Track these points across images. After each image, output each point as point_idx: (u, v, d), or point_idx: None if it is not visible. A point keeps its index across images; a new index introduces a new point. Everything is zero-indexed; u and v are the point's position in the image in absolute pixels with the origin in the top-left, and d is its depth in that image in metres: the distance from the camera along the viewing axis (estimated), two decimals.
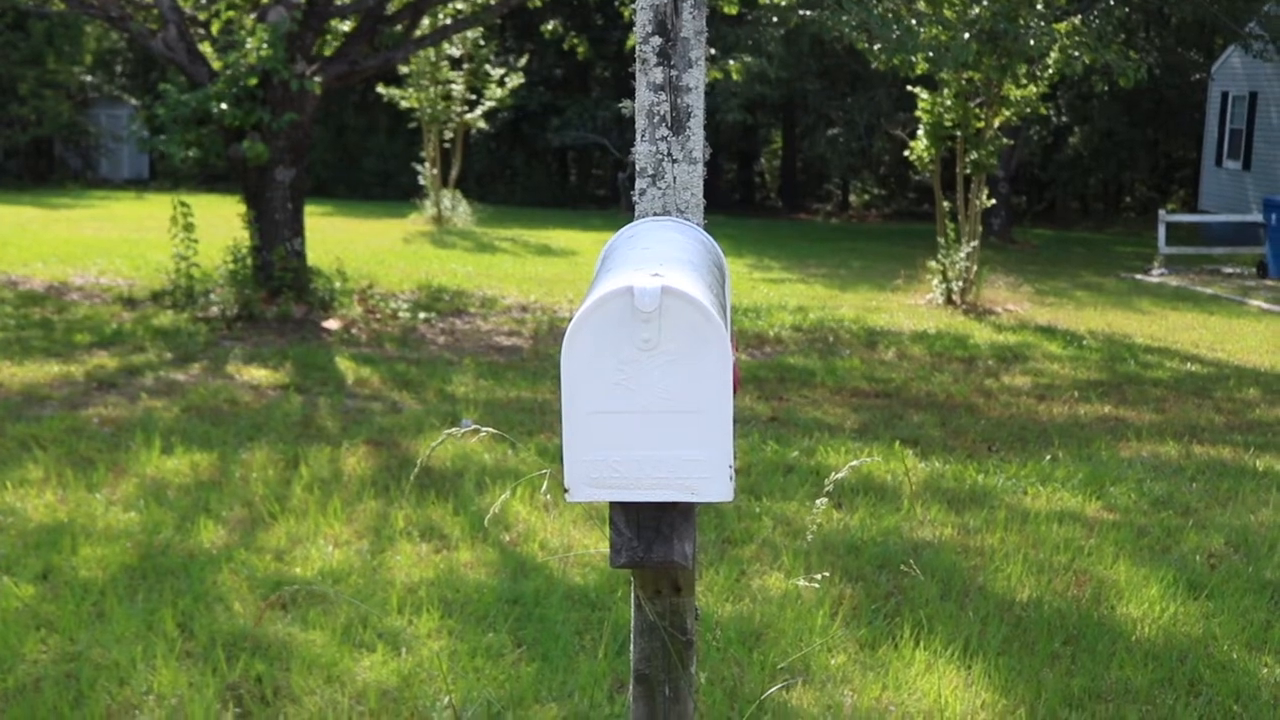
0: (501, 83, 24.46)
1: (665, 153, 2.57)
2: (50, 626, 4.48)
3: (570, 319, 2.15)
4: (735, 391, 2.03)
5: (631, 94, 2.57)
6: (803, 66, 31.35)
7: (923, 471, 7.31)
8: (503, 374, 10.04)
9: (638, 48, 2.58)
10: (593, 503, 2.03)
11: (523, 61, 25.35)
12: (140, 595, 4.81)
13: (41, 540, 5.39)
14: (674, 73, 2.56)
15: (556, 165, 38.93)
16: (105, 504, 5.97)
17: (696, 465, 2.01)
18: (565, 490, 2.04)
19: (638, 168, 2.61)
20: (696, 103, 2.57)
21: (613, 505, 2.15)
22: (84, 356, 9.91)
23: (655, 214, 2.56)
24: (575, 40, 16.68)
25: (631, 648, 2.72)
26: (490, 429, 2.77)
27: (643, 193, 2.60)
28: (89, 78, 38.45)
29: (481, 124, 25.76)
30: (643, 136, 2.58)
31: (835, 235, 27.50)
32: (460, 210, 25.53)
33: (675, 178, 2.58)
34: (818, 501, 2.59)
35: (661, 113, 2.56)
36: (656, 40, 2.56)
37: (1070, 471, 7.36)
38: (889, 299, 16.16)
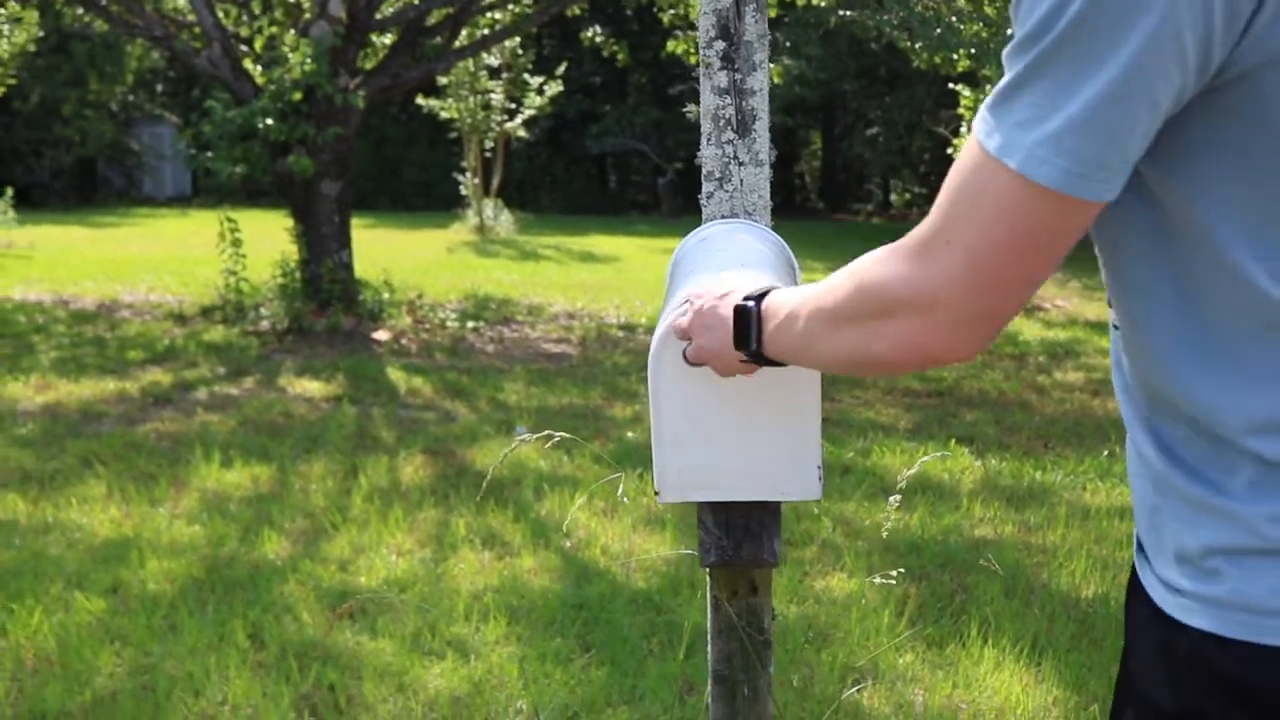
0: (541, 91, 24.53)
1: (731, 156, 2.58)
2: (123, 640, 4.53)
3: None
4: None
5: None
6: (841, 67, 31.35)
7: (979, 470, 7.29)
8: (553, 381, 10.07)
9: (701, 52, 2.59)
10: (682, 503, 2.04)
11: (561, 69, 25.42)
12: (210, 607, 4.86)
13: (109, 555, 5.45)
14: (738, 76, 2.57)
15: (596, 172, 39.02)
16: (169, 518, 6.03)
17: (785, 465, 2.01)
18: (656, 492, 2.05)
19: (704, 171, 2.62)
20: (761, 105, 2.58)
21: (701, 505, 2.16)
22: (138, 373, 10.01)
23: (723, 216, 2.57)
24: (615, 47, 16.70)
25: (709, 649, 2.72)
26: (563, 434, 2.79)
27: (709, 196, 2.60)
28: (130, 97, 38.82)
29: (521, 133, 25.85)
30: (708, 140, 2.59)
31: (878, 235, 27.40)
32: (502, 219, 25.64)
33: (742, 180, 2.59)
34: (891, 499, 2.60)
35: (727, 116, 2.57)
36: (720, 45, 2.57)
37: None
38: None
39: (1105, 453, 7.73)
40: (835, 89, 32.79)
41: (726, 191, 2.59)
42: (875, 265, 1.37)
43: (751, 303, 1.60)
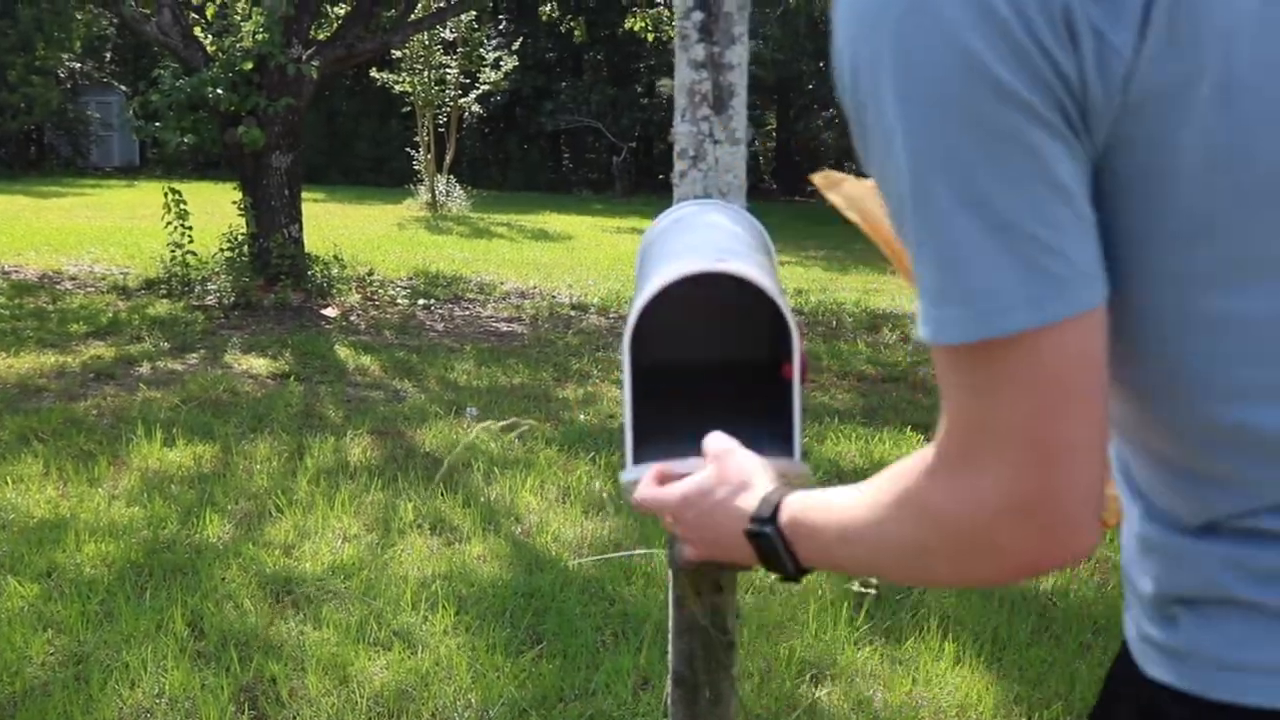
0: (496, 66, 24.29)
1: (707, 133, 2.44)
2: (57, 627, 4.35)
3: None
4: (804, 380, 1.90)
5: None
6: (798, 48, 31.26)
7: None
8: (504, 360, 9.92)
9: (677, 23, 2.44)
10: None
11: (516, 44, 25.17)
12: (148, 593, 4.69)
13: (44, 537, 5.26)
14: (716, 49, 2.42)
15: (550, 149, 38.76)
16: (107, 499, 5.85)
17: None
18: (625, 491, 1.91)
19: (677, 149, 2.47)
20: (739, 81, 2.44)
21: None
22: (80, 347, 9.77)
23: (696, 197, 2.43)
24: (574, 23, 16.52)
25: (670, 649, 2.60)
26: (530, 421, 2.65)
27: (683, 175, 2.46)
28: (78, 65, 38.24)
29: (475, 108, 25.60)
30: (683, 116, 2.44)
31: (832, 218, 27.29)
32: (455, 195, 25.40)
33: (717, 159, 2.44)
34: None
35: (703, 91, 2.43)
36: (698, 15, 2.42)
37: None
38: (889, 281, 16.05)
39: None
40: (792, 69, 32.69)
41: (700, 171, 2.45)
42: (933, 493, 1.12)
43: (768, 528, 1.34)
